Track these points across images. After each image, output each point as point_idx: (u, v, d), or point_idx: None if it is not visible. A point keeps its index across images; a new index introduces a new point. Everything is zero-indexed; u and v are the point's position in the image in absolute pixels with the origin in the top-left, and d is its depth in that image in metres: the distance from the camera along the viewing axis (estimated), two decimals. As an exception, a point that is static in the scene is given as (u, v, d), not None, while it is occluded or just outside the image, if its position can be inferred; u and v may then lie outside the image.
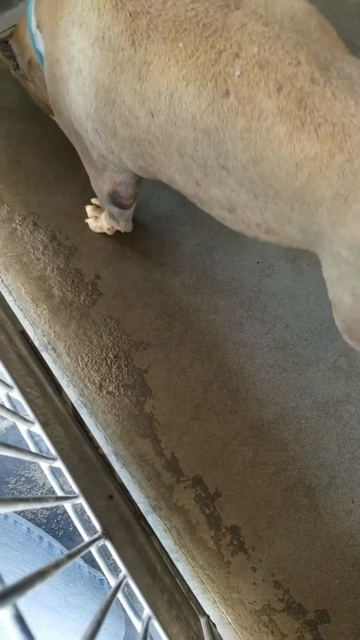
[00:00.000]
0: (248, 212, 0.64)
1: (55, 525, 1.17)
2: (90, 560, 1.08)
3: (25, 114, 1.26)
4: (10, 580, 0.87)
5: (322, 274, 1.10)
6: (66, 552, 1.01)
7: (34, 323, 1.06)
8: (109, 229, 1.09)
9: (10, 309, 1.06)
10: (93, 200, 1.13)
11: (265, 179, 0.56)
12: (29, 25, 0.78)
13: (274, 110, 0.51)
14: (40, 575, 0.29)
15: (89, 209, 1.12)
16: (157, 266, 1.11)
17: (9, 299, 1.08)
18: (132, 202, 0.90)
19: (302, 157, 0.52)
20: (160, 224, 1.15)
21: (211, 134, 0.56)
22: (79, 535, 1.14)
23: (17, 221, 1.15)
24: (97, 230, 1.12)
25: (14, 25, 1.15)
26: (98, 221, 1.10)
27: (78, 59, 0.63)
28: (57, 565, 0.33)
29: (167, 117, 0.59)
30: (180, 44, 0.55)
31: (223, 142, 0.56)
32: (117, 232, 1.12)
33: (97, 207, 1.11)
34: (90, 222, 1.12)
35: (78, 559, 0.94)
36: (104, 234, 1.13)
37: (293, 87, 0.51)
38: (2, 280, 1.10)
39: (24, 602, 0.85)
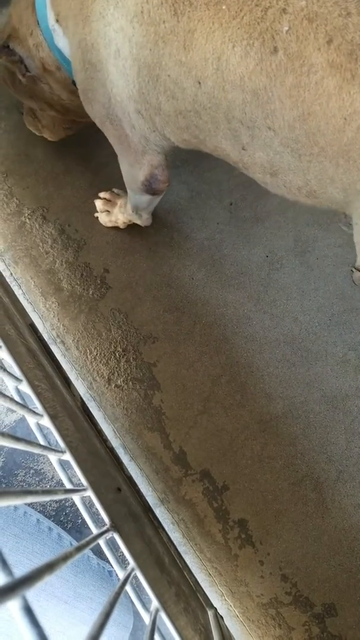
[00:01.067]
0: (290, 175, 0.63)
1: (64, 518, 1.18)
2: (98, 552, 1.09)
3: (34, 107, 1.26)
4: (19, 570, 0.88)
5: (331, 268, 1.10)
6: (75, 543, 1.02)
7: (43, 316, 1.06)
8: (124, 223, 1.09)
9: (20, 302, 1.07)
10: (102, 194, 1.12)
11: (311, 137, 0.56)
12: (42, 22, 0.77)
13: (324, 64, 0.51)
14: (48, 568, 0.29)
15: (98, 203, 1.11)
16: (166, 260, 1.11)
17: (18, 292, 1.08)
18: (167, 186, 0.89)
19: (352, 110, 0.51)
20: (169, 217, 1.15)
21: (259, 94, 0.56)
22: (88, 527, 1.15)
23: (26, 214, 1.15)
24: (109, 225, 1.12)
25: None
26: (111, 215, 1.09)
27: (116, 39, 0.62)
28: (65, 557, 0.33)
29: (214, 83, 0.58)
30: (224, 7, 0.54)
31: (271, 101, 0.55)
32: (126, 226, 1.12)
33: (108, 201, 1.11)
34: (101, 216, 1.12)
35: (87, 551, 0.95)
36: (114, 227, 1.13)
37: (343, 39, 0.49)
38: (11, 274, 1.10)
39: (33, 592, 0.86)
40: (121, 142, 0.79)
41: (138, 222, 1.05)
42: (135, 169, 0.85)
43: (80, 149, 1.09)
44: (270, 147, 0.61)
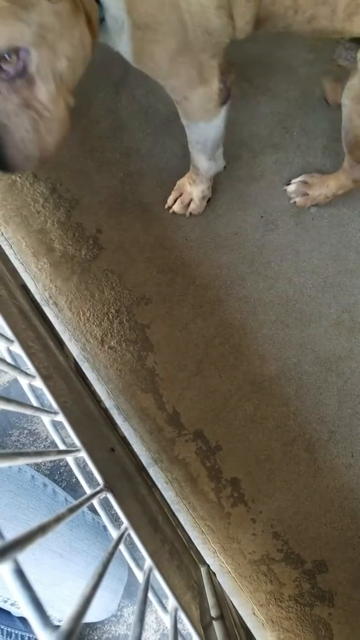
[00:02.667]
0: None
1: (58, 477, 1.19)
2: (93, 509, 1.10)
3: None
4: (15, 525, 0.89)
5: (326, 229, 1.09)
6: (70, 499, 1.04)
7: (35, 277, 1.05)
8: (200, 198, 1.07)
9: (11, 263, 1.05)
10: (172, 196, 1.10)
11: None
12: None
13: None
14: (41, 530, 0.29)
15: (170, 200, 1.10)
16: (159, 220, 1.09)
17: (9, 252, 1.06)
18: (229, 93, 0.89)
19: None
20: (162, 176, 1.12)
21: None
22: (82, 487, 1.17)
23: (17, 173, 1.12)
24: (186, 211, 1.09)
25: None
26: (183, 200, 1.08)
27: None
28: (58, 519, 0.33)
29: None
30: None
31: None
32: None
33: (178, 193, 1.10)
34: (176, 207, 1.09)
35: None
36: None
37: None
38: (2, 234, 1.08)
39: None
40: (193, 66, 0.77)
41: (215, 171, 1.03)
42: (208, 85, 0.82)
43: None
44: None
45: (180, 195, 1.08)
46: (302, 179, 1.12)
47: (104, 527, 1.05)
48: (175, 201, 1.09)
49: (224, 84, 0.85)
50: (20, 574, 0.25)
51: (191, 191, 1.06)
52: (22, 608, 0.25)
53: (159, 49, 0.74)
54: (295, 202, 1.11)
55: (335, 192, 1.07)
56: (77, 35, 0.65)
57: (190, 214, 1.09)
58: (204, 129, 0.92)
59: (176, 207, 1.09)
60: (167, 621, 0.47)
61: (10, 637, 0.94)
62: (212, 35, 0.73)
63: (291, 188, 1.12)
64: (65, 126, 0.69)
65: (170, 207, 1.09)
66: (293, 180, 1.13)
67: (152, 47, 0.74)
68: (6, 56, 0.56)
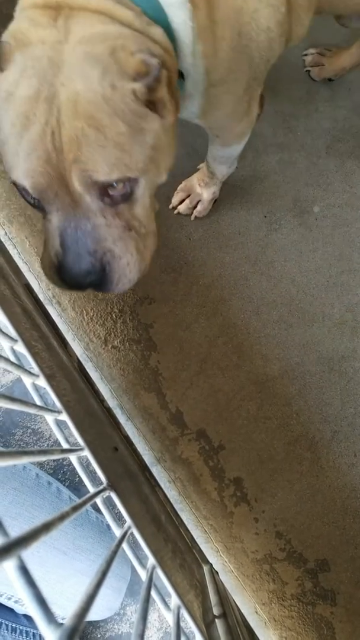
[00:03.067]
0: None
1: (62, 476, 1.20)
2: (97, 508, 1.11)
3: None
4: (19, 522, 0.90)
5: (330, 229, 1.09)
6: (74, 498, 1.04)
7: (39, 276, 1.05)
8: (209, 201, 1.06)
9: (14, 262, 1.05)
10: (178, 196, 1.09)
11: None
12: (189, 45, 0.65)
13: None
14: (45, 528, 0.30)
15: (175, 199, 1.09)
16: (163, 220, 1.09)
17: (13, 252, 1.06)
18: None
19: None
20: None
21: None
22: (85, 486, 1.17)
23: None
24: (191, 212, 1.08)
25: None
26: (192, 201, 1.07)
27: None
28: (62, 517, 0.33)
29: None
30: None
31: None
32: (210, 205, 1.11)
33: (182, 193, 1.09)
34: (181, 208, 1.08)
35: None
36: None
37: None
38: (6, 233, 1.08)
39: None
40: (246, 100, 0.76)
41: (230, 174, 1.02)
42: (251, 114, 0.81)
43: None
44: None
45: (188, 196, 1.08)
46: (319, 51, 1.15)
47: (108, 526, 1.06)
48: (180, 202, 1.09)
49: (261, 107, 0.84)
50: (24, 571, 0.25)
51: (201, 192, 1.05)
52: (27, 605, 0.26)
53: (229, 97, 0.73)
54: (309, 73, 1.17)
55: (352, 63, 1.12)
56: (175, 141, 0.66)
57: (195, 217, 1.08)
58: (235, 149, 0.91)
59: (182, 208, 1.08)
60: (170, 619, 0.47)
61: (15, 633, 0.94)
62: (270, 62, 0.72)
63: (308, 59, 1.16)
64: (157, 237, 0.69)
65: (175, 208, 1.09)
66: (309, 51, 1.15)
67: (222, 98, 0.72)
68: (114, 184, 0.56)
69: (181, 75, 0.65)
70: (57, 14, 0.53)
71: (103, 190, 0.56)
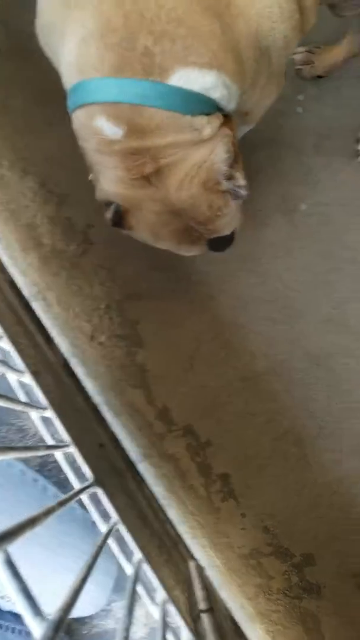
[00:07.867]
0: None
1: (47, 474, 1.19)
2: (83, 505, 1.10)
3: (14, 54, 1.20)
4: (4, 518, 0.89)
5: (317, 227, 1.09)
6: (60, 495, 1.03)
7: (24, 272, 1.04)
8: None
9: (-2, 258, 1.04)
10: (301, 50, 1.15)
11: None
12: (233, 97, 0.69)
13: None
14: (30, 523, 0.29)
15: (298, 57, 1.15)
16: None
17: (-3, 247, 1.05)
18: None
19: None
20: (153, 171, 1.12)
21: None
22: (70, 483, 1.17)
23: (5, 166, 1.11)
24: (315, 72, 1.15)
25: None
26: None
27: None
28: (48, 512, 0.33)
29: None
30: None
31: None
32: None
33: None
34: (305, 69, 1.14)
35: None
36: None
37: None
38: (-9, 228, 1.07)
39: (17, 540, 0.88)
40: (273, 88, 0.82)
41: None
42: (280, 83, 0.85)
43: (62, 100, 1.04)
44: None
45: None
46: (308, 49, 1.14)
47: (93, 522, 1.05)
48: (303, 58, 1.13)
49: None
50: (10, 564, 0.25)
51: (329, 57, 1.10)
52: (12, 597, 0.25)
53: (258, 110, 0.82)
54: (300, 72, 1.17)
55: (342, 58, 1.13)
56: None
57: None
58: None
59: (305, 71, 1.14)
60: (157, 614, 0.47)
61: (1, 629, 0.94)
62: (289, 54, 0.78)
63: (298, 57, 1.15)
64: None
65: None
66: (298, 50, 1.16)
67: (253, 114, 0.82)
68: None
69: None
70: (143, 167, 0.64)
71: None
